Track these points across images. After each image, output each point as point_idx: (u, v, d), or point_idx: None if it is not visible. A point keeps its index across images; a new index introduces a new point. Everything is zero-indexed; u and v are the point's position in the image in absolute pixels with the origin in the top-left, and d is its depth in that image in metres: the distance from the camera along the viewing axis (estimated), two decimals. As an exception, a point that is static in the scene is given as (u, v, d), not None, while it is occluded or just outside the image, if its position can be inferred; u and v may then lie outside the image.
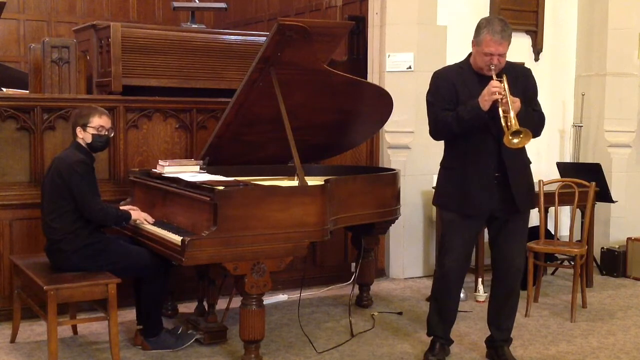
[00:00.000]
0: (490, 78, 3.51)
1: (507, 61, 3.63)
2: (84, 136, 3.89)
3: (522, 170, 3.72)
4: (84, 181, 3.78)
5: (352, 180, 4.25)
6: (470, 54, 3.70)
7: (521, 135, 3.42)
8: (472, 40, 3.60)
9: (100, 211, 3.83)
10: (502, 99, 3.45)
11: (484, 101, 3.48)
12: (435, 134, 3.77)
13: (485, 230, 4.07)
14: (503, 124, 3.45)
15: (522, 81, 3.69)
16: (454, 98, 3.64)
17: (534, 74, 3.82)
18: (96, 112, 3.93)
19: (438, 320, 3.87)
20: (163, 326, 4.04)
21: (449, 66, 3.85)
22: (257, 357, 3.73)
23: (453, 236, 3.76)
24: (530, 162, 3.81)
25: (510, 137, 3.42)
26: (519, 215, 3.75)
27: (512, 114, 3.42)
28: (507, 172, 3.63)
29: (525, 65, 4.07)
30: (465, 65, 3.71)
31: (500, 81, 3.49)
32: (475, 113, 3.51)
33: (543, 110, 3.79)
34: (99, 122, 3.91)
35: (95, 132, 3.89)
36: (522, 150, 3.71)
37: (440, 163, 3.87)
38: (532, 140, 3.47)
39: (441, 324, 3.87)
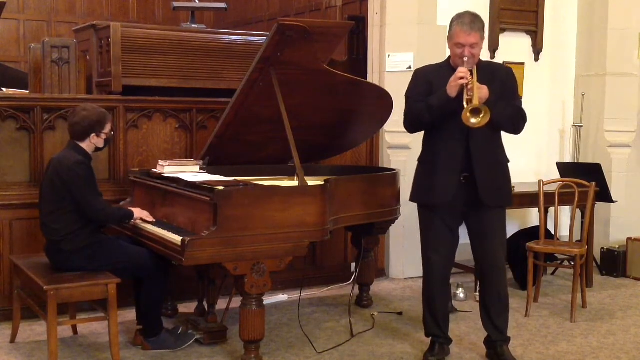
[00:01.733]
0: None
1: (487, 61, 3.70)
2: (97, 142, 3.91)
3: (492, 166, 3.73)
4: (85, 182, 3.78)
5: (352, 180, 4.25)
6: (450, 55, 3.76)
7: (481, 115, 3.43)
8: (447, 37, 3.70)
9: (103, 211, 3.84)
10: (467, 84, 3.50)
11: (451, 87, 3.54)
12: (408, 125, 3.85)
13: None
14: (465, 104, 3.49)
15: (500, 78, 3.73)
16: (428, 93, 3.70)
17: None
18: (108, 117, 3.95)
19: (432, 319, 3.89)
20: (163, 326, 4.04)
21: (430, 65, 3.93)
22: (257, 357, 3.74)
23: (429, 230, 3.82)
24: (508, 161, 3.83)
25: (468, 115, 3.45)
26: (492, 212, 3.76)
27: (475, 95, 3.45)
28: (474, 165, 3.65)
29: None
30: (444, 64, 3.79)
31: (470, 71, 3.54)
32: (443, 99, 3.58)
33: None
34: (110, 127, 3.96)
35: (107, 137, 3.94)
36: (497, 147, 3.75)
37: (417, 158, 3.93)
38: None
39: (435, 322, 3.88)
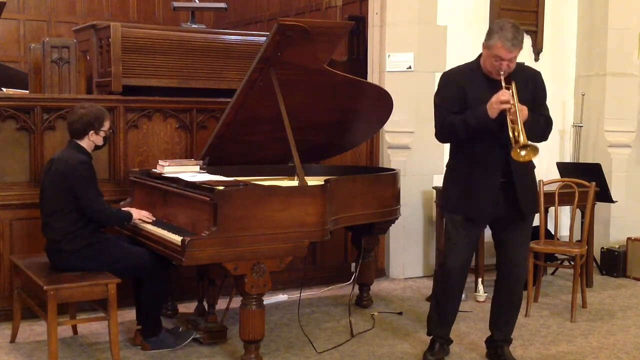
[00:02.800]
0: (500, 81, 3.51)
1: (518, 63, 3.62)
2: (95, 139, 3.91)
3: (527, 175, 3.71)
4: (87, 182, 3.78)
5: (352, 180, 4.25)
6: (480, 55, 3.65)
7: (528, 150, 3.41)
8: (483, 43, 3.57)
9: (103, 212, 3.84)
10: (510, 108, 3.44)
11: (492, 109, 3.47)
12: (441, 136, 3.75)
13: (488, 231, 4.06)
14: (511, 135, 3.45)
15: (531, 85, 3.68)
16: (462, 101, 3.62)
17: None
18: (106, 114, 3.95)
19: (438, 320, 3.88)
20: (162, 326, 4.04)
21: (459, 67, 3.80)
22: (257, 357, 3.73)
23: (457, 238, 3.74)
24: (535, 167, 3.79)
25: (517, 151, 3.42)
26: (525, 220, 3.75)
27: (520, 126, 3.41)
28: (514, 177, 3.61)
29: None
30: (475, 67, 3.67)
31: (509, 88, 3.48)
32: (482, 120, 3.51)
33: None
34: (108, 124, 3.96)
35: (105, 134, 3.93)
36: None
37: (447, 164, 3.86)
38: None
39: (441, 324, 3.88)
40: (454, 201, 3.77)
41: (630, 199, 6.26)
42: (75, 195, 3.76)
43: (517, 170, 3.60)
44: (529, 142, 3.40)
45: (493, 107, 3.47)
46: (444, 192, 3.90)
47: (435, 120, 3.73)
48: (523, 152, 3.42)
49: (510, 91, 3.47)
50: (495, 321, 3.90)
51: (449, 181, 3.82)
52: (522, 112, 3.45)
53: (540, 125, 3.65)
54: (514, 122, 3.44)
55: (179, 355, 3.94)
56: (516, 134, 3.43)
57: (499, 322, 3.88)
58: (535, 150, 3.41)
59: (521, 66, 3.71)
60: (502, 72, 3.50)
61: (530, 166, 3.71)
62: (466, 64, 3.76)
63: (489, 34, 3.54)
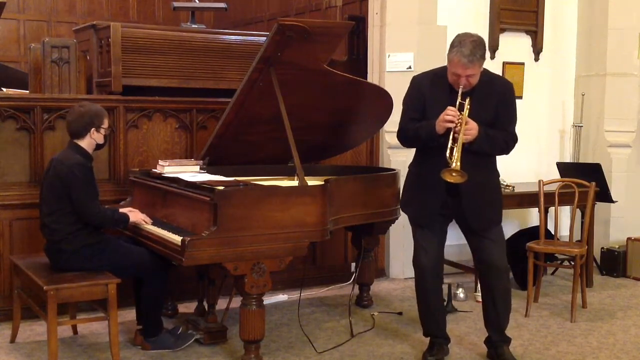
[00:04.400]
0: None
1: (488, 74, 3.63)
2: (97, 137, 3.89)
3: (480, 187, 3.67)
4: (82, 184, 3.76)
5: (352, 180, 4.25)
6: None
7: (457, 174, 3.43)
8: (447, 55, 3.57)
9: (98, 214, 3.82)
10: (455, 127, 3.47)
11: (439, 126, 3.52)
12: (400, 140, 3.85)
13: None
14: (447, 154, 3.48)
15: (496, 99, 3.65)
16: (422, 107, 3.68)
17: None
18: (105, 112, 3.94)
19: (428, 319, 3.90)
20: (163, 326, 4.04)
21: (427, 72, 3.82)
22: (257, 357, 3.74)
23: (421, 237, 3.80)
24: (499, 175, 3.80)
25: (448, 172, 3.44)
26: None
27: (457, 149, 3.43)
28: (460, 190, 3.60)
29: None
30: (441, 74, 3.67)
31: (462, 105, 3.48)
32: (430, 134, 3.57)
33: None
34: (107, 122, 3.96)
35: (105, 132, 3.93)
36: (488, 164, 3.72)
37: (408, 165, 3.94)
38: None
39: (432, 322, 3.89)
40: (407, 203, 3.90)
41: (630, 199, 6.26)
42: (70, 196, 3.75)
43: (466, 186, 3.55)
44: (458, 169, 3.42)
45: (439, 124, 3.51)
46: (402, 191, 3.98)
47: (399, 126, 3.81)
48: (453, 174, 3.45)
49: (464, 108, 3.48)
50: (488, 321, 3.90)
51: (405, 183, 3.93)
52: (469, 132, 3.47)
53: (496, 143, 3.63)
54: (455, 140, 3.47)
55: (179, 355, 3.94)
56: (452, 157, 3.46)
57: (491, 322, 3.87)
58: (463, 177, 3.43)
59: (492, 77, 3.71)
60: (461, 87, 3.51)
61: (486, 177, 3.70)
62: (436, 69, 3.78)
63: (450, 48, 3.54)
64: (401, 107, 3.83)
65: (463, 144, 3.46)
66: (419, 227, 3.81)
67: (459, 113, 3.47)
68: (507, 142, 3.69)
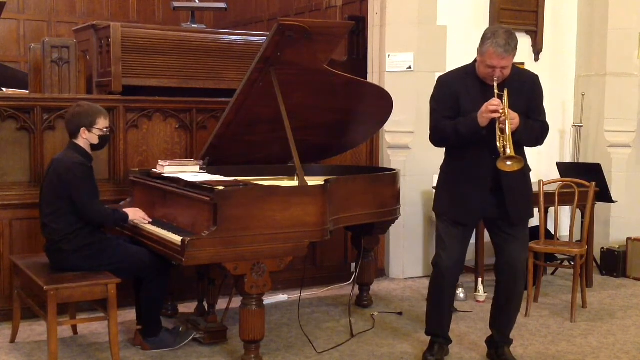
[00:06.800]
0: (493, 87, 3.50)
1: (515, 67, 3.61)
2: (89, 137, 3.88)
3: (519, 181, 3.68)
4: (82, 184, 3.77)
5: (352, 180, 4.25)
6: (476, 59, 3.64)
7: (514, 161, 3.42)
8: (477, 49, 3.57)
9: (98, 213, 3.83)
10: (499, 117, 3.45)
11: (482, 118, 3.48)
12: (434, 141, 3.79)
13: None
14: (498, 144, 3.46)
15: (527, 89, 3.66)
16: (455, 105, 3.64)
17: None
18: (101, 113, 3.91)
19: (435, 319, 3.88)
20: (162, 326, 4.04)
21: (454, 71, 3.81)
22: (257, 357, 3.74)
23: (448, 239, 3.76)
24: (530, 170, 3.78)
25: (504, 162, 3.43)
26: (517, 224, 3.74)
27: (508, 136, 3.41)
28: (503, 184, 3.61)
29: (525, 65, 4.07)
30: (470, 71, 3.67)
31: (501, 96, 3.47)
32: (472, 128, 3.53)
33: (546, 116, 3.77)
34: (105, 123, 3.93)
35: (101, 133, 3.90)
36: (522, 157, 3.68)
37: (440, 167, 3.88)
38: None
39: (439, 323, 3.88)
40: (444, 205, 3.81)
41: (630, 199, 6.26)
42: (70, 196, 3.75)
43: (507, 177, 3.57)
44: (514, 155, 3.40)
45: (483, 115, 3.48)
46: (435, 195, 3.92)
47: (430, 124, 3.76)
48: (509, 163, 3.43)
49: (502, 99, 3.47)
50: (495, 322, 3.90)
51: (440, 185, 3.87)
52: (513, 120, 3.46)
53: (534, 132, 3.64)
54: (502, 131, 3.45)
55: (179, 355, 3.94)
56: (504, 144, 3.44)
57: (499, 323, 3.88)
58: (520, 162, 3.43)
59: (518, 70, 3.70)
60: (495, 79, 3.50)
61: (523, 171, 3.67)
62: (462, 68, 3.77)
63: (482, 40, 3.53)
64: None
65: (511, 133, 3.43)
66: (457, 225, 3.73)
67: (501, 103, 3.46)
68: (542, 131, 3.71)
